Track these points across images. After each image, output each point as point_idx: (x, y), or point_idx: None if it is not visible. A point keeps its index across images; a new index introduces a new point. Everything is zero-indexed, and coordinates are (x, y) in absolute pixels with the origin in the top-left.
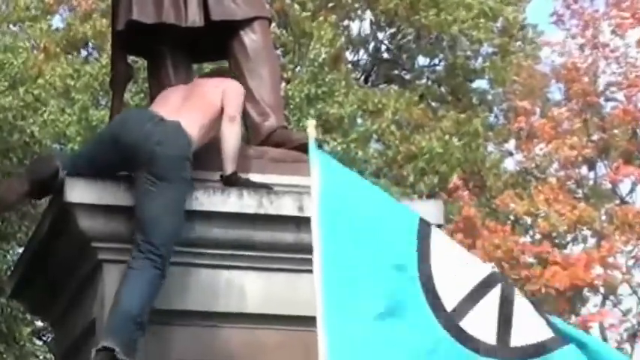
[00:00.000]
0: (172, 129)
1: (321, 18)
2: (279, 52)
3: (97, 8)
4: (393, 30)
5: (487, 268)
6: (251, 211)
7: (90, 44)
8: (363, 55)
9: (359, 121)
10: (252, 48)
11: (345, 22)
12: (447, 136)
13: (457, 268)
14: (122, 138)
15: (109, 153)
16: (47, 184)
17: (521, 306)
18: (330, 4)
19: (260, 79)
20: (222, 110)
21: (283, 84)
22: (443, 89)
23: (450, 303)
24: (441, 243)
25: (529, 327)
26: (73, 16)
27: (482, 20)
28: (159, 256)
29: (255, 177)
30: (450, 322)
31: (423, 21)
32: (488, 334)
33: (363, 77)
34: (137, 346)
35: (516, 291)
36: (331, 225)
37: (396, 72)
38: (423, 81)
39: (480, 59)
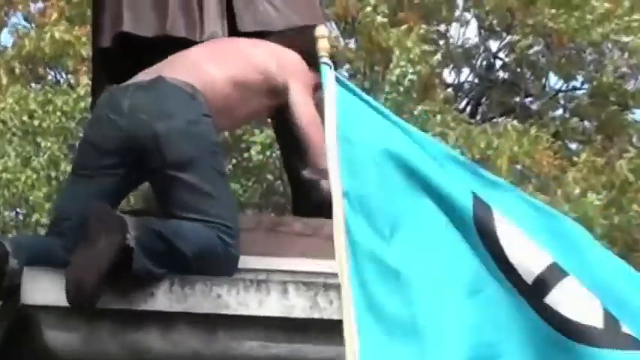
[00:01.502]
0: (169, 89)
1: (405, 26)
2: (344, 73)
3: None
4: (509, 38)
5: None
6: (302, 314)
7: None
8: (467, 77)
9: None
10: None
11: (441, 27)
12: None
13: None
14: (98, 137)
15: (96, 176)
16: None
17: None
18: (416, 0)
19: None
20: (270, 82)
21: None
22: (586, 123)
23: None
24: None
25: None
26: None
27: (637, 17)
28: (228, 228)
29: (305, 264)
30: (535, 298)
31: (552, 25)
32: (589, 316)
33: (468, 108)
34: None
35: None
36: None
37: (516, 99)
38: (558, 112)
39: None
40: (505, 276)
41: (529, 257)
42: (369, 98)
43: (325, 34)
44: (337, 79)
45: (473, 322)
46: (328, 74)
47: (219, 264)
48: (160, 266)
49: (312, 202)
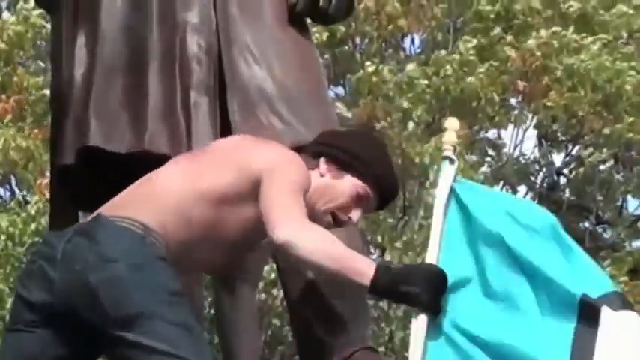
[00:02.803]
0: (111, 231)
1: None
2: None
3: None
4: (576, 151)
5: None
6: None
7: None
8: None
9: None
10: None
11: (491, 134)
12: None
13: None
14: (27, 290)
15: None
16: None
17: None
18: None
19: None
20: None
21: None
22: None
23: None
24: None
25: None
26: None
27: None
28: None
29: None
30: None
31: (632, 135)
32: None
33: None
34: None
35: None
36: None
37: (585, 225)
38: (637, 243)
39: None
40: None
41: None
42: (494, 193)
43: (455, 127)
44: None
45: None
46: (447, 170)
47: None
48: None
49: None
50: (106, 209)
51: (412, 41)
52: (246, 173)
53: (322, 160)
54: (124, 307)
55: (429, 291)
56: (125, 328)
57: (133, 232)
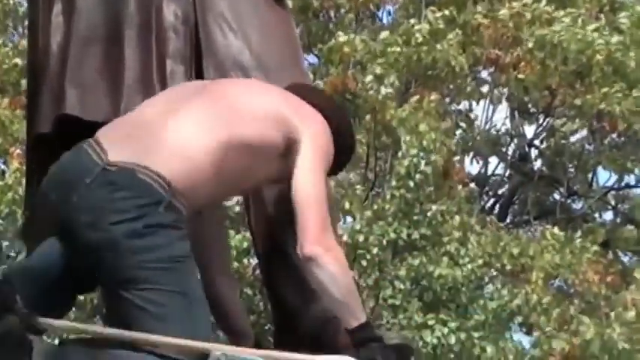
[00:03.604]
0: (131, 181)
1: (414, 99)
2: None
3: None
4: (548, 122)
5: None
6: None
7: None
8: (495, 168)
9: (488, 289)
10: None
11: (462, 106)
12: None
13: None
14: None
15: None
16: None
17: None
18: (430, 72)
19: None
20: (283, 154)
21: (349, 222)
22: None
23: None
24: None
25: None
26: None
27: None
28: None
29: None
30: None
31: (603, 106)
32: None
33: (496, 207)
34: None
35: None
36: None
37: (555, 198)
38: (608, 215)
39: None
40: None
41: None
42: None
43: None
44: None
45: None
46: None
47: None
48: None
49: (296, 332)
50: (124, 150)
51: (388, 12)
52: (286, 128)
53: None
54: (118, 272)
55: None
56: (120, 286)
57: (153, 192)
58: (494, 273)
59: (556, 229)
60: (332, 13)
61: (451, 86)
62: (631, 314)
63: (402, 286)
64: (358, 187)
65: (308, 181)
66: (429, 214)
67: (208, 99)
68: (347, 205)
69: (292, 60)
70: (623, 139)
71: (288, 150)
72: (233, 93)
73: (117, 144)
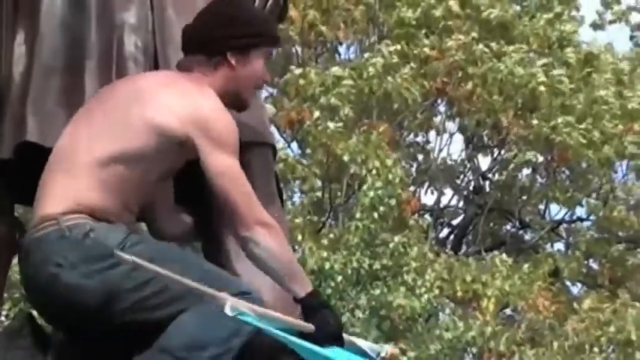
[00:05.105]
0: None
1: (362, 130)
2: (296, 190)
3: None
4: (502, 155)
5: None
6: None
7: None
8: (451, 200)
9: (442, 318)
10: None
11: (419, 138)
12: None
13: None
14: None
15: None
16: None
17: None
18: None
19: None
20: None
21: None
22: (594, 264)
23: None
24: None
25: None
26: None
27: None
28: None
29: None
30: None
31: (554, 136)
32: None
33: (450, 237)
34: None
35: None
36: None
37: (507, 227)
38: (558, 246)
39: None
40: None
41: None
42: None
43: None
44: None
45: None
46: None
47: None
48: None
49: None
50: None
51: (348, 47)
52: (168, 136)
53: (229, 55)
54: (90, 308)
55: (329, 335)
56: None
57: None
58: (447, 300)
59: (504, 256)
60: (292, 49)
61: (406, 121)
62: (569, 343)
63: (361, 315)
64: (310, 217)
65: (218, 169)
66: (391, 245)
67: (101, 113)
68: (300, 237)
69: None
70: (570, 173)
71: (186, 147)
72: (125, 104)
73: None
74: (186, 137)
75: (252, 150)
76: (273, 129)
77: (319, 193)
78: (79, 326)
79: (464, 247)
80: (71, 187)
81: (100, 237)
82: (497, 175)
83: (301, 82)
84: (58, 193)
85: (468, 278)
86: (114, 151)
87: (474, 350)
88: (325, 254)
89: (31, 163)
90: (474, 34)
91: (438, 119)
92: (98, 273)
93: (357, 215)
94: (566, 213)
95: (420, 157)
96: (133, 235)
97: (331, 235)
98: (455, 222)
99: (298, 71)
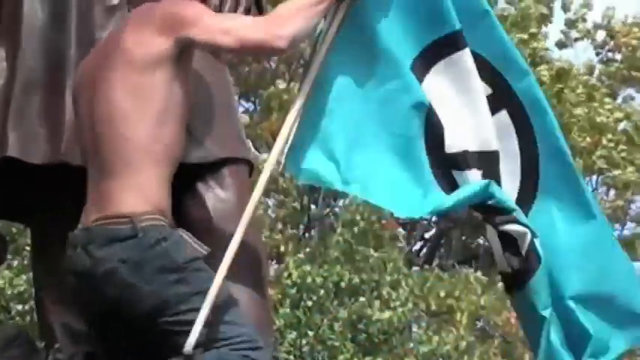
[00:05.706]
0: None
1: None
2: (268, 204)
3: None
4: None
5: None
6: None
7: None
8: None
9: (417, 332)
10: (219, 211)
11: None
12: None
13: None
14: None
15: None
16: None
17: None
18: None
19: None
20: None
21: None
22: None
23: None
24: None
25: None
26: None
27: None
28: None
29: None
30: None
31: None
32: None
33: (423, 250)
34: None
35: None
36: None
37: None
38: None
39: None
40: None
41: None
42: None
43: None
44: None
45: None
46: None
47: None
48: None
49: None
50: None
51: None
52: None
53: None
54: (136, 308)
55: None
56: (146, 321)
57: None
58: (421, 314)
59: (479, 273)
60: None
61: None
62: None
63: (340, 328)
64: (291, 230)
65: (220, 28)
66: (371, 260)
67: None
68: (282, 248)
69: (226, 107)
70: None
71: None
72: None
73: None
74: (169, 41)
75: (229, 166)
76: (253, 140)
77: (296, 204)
78: (111, 321)
79: (436, 260)
80: (137, 180)
81: (171, 249)
82: None
83: (285, 97)
84: (125, 186)
85: (442, 294)
86: (158, 136)
87: None
88: (309, 267)
89: (11, 178)
90: None
91: None
92: (159, 283)
93: (338, 230)
94: None
95: None
96: (200, 260)
97: (307, 249)
98: (427, 235)
99: (283, 86)
